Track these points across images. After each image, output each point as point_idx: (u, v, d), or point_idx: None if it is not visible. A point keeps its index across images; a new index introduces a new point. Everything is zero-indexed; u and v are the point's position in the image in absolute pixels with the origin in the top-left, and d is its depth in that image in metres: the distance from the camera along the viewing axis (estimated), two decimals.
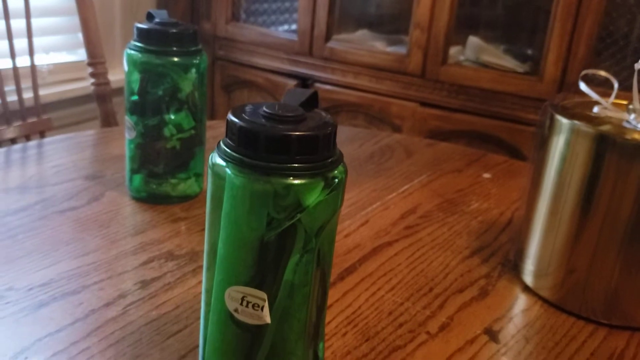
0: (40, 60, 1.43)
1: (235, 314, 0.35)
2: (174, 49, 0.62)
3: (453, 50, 1.50)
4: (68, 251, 0.54)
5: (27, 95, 1.06)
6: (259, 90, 1.64)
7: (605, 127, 0.52)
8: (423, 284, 0.54)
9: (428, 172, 0.81)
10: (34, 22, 1.40)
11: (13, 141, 1.01)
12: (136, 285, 0.50)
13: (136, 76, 0.63)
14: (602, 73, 0.60)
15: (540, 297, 0.54)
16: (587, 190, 0.50)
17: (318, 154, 0.34)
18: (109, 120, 1.07)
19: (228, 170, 0.34)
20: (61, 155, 0.78)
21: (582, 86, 0.56)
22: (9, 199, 0.64)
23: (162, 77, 0.62)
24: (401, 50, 1.47)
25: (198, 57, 0.64)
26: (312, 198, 0.34)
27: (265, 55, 1.60)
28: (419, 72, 1.41)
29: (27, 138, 1.01)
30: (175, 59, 0.62)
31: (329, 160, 0.34)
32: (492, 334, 0.48)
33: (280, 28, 1.68)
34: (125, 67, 0.63)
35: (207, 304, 0.37)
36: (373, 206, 0.69)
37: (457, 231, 0.65)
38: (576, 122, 0.51)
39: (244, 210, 0.34)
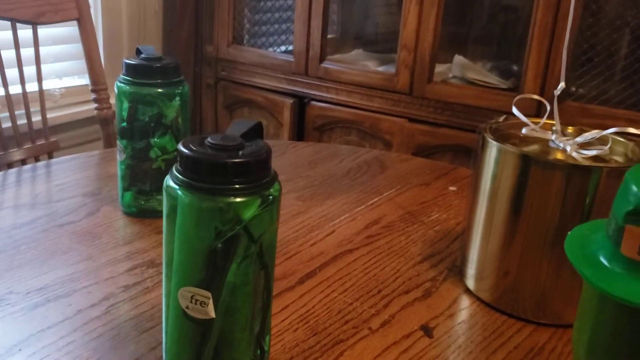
0: (53, 84, 1.53)
1: (187, 310, 0.42)
2: (159, 81, 0.70)
3: (442, 68, 1.57)
4: (63, 260, 0.62)
5: (36, 118, 1.15)
6: (258, 109, 1.72)
7: (531, 147, 0.59)
8: (373, 286, 0.61)
9: (398, 186, 0.88)
10: (48, 49, 1.50)
11: (23, 162, 1.10)
12: (120, 288, 0.58)
13: (125, 105, 0.71)
14: (535, 97, 0.67)
15: (478, 299, 0.60)
16: (515, 202, 0.57)
17: (254, 176, 0.41)
18: (110, 142, 1.16)
19: (179, 192, 0.41)
20: (65, 175, 0.87)
21: (514, 109, 0.62)
22: (17, 214, 0.72)
23: (148, 105, 0.70)
24: (391, 69, 1.54)
25: (180, 87, 0.72)
26: (250, 212, 0.41)
27: (264, 75, 1.68)
28: (407, 90, 1.48)
29: (36, 159, 1.10)
30: (160, 90, 0.70)
31: (264, 180, 0.42)
32: (427, 330, 0.55)
33: (278, 49, 1.76)
34: (116, 98, 0.72)
35: (167, 304, 0.44)
36: (341, 218, 0.76)
37: (413, 240, 0.72)
38: (501, 143, 0.57)
39: (193, 224, 0.41)
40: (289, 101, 1.63)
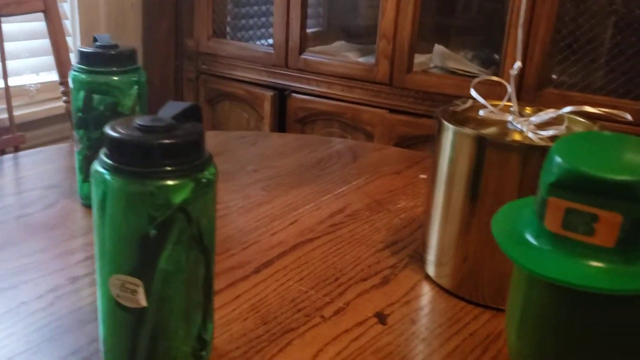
0: (29, 79, 1.51)
1: (118, 299, 0.41)
2: (114, 69, 0.69)
3: (423, 58, 1.55)
4: (15, 252, 0.61)
5: (4, 115, 1.14)
6: (239, 102, 1.70)
7: (489, 129, 0.57)
8: (330, 274, 0.60)
9: (367, 175, 0.87)
10: (23, 44, 1.48)
11: None
12: (67, 280, 0.56)
13: (81, 95, 0.69)
14: (495, 78, 0.65)
15: (438, 286, 0.59)
16: (472, 185, 0.55)
17: (184, 158, 0.40)
18: None
19: (108, 177, 0.40)
20: (29, 168, 0.85)
21: (472, 92, 0.61)
22: None
23: (104, 94, 0.69)
24: (372, 60, 1.53)
25: (136, 75, 0.70)
26: (182, 196, 0.40)
27: (245, 68, 1.67)
28: (387, 81, 1.47)
29: (3, 152, 1.09)
30: (116, 78, 0.69)
31: (196, 163, 0.40)
32: (381, 317, 0.53)
33: (263, 42, 1.75)
34: (71, 87, 0.70)
35: (100, 294, 0.43)
36: (305, 207, 0.75)
37: (377, 228, 0.70)
38: (457, 126, 0.56)
39: (123, 210, 0.40)
40: (269, 94, 1.62)
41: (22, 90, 1.45)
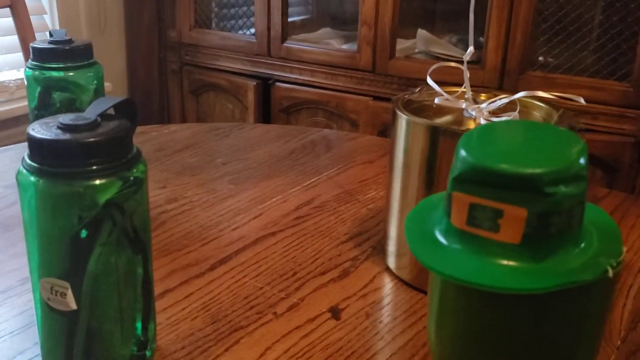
0: (8, 76, 1.50)
1: (49, 302, 0.40)
2: (69, 64, 0.67)
3: (408, 43, 1.53)
4: None
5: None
6: (223, 93, 1.69)
7: (444, 118, 0.56)
8: (289, 269, 0.58)
9: (339, 165, 0.85)
10: (1, 40, 1.47)
11: None
12: (19, 282, 0.55)
13: (36, 91, 0.68)
14: (453, 65, 0.64)
15: (398, 278, 0.58)
16: (427, 175, 0.54)
17: (109, 156, 0.38)
18: None
19: (32, 179, 0.38)
20: None
21: (428, 79, 0.59)
22: None
23: (59, 90, 0.68)
24: (354, 47, 1.51)
25: (93, 70, 0.69)
26: (109, 196, 0.39)
27: (228, 58, 1.65)
28: (370, 67, 1.45)
29: None
30: (71, 74, 0.67)
31: (123, 161, 0.39)
32: (335, 312, 0.52)
33: (241, 32, 1.73)
34: (26, 84, 0.69)
35: (34, 297, 0.42)
36: (272, 200, 0.74)
37: (343, 219, 0.69)
38: (410, 115, 0.54)
39: (49, 212, 0.39)
40: (252, 83, 1.60)
41: (2, 86, 1.44)
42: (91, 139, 0.38)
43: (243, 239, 0.64)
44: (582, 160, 0.25)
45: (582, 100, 0.50)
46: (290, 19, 1.66)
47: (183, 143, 0.92)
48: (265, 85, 1.61)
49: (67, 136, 0.38)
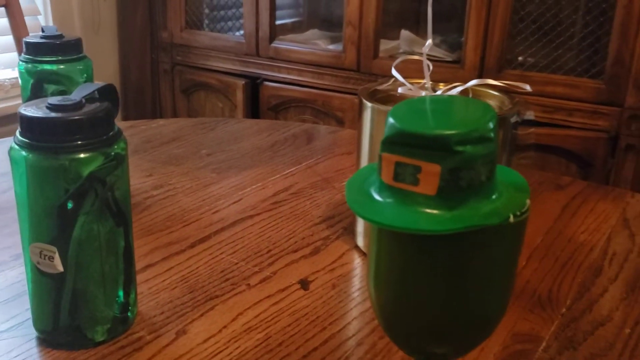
0: (4, 74, 1.54)
1: (38, 265, 0.44)
2: (59, 57, 0.72)
3: (392, 44, 1.58)
4: None
5: None
6: (214, 91, 1.73)
7: None
8: (263, 247, 0.63)
9: (318, 156, 0.90)
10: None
11: None
12: (11, 257, 0.59)
13: (28, 84, 0.72)
14: (416, 57, 0.68)
15: (364, 254, 0.62)
16: None
17: (93, 133, 0.43)
18: None
19: (23, 153, 0.43)
20: None
21: (393, 71, 0.64)
22: None
23: (51, 82, 0.72)
24: (340, 47, 1.55)
25: (82, 64, 0.73)
26: (92, 168, 0.43)
27: (218, 58, 1.70)
28: (355, 67, 1.50)
29: None
30: (62, 66, 0.72)
31: (104, 137, 0.43)
32: (304, 284, 0.56)
33: (230, 33, 1.77)
34: (20, 78, 0.73)
35: (25, 262, 0.46)
36: (252, 187, 0.78)
37: (318, 204, 0.73)
38: (374, 103, 0.59)
39: (39, 183, 0.43)
40: (240, 82, 1.65)
41: None
42: (76, 117, 0.42)
43: (222, 221, 0.68)
44: (490, 125, 0.30)
45: (528, 88, 0.54)
46: (281, 21, 1.71)
47: (170, 136, 0.96)
48: (254, 84, 1.65)
49: (54, 115, 0.42)
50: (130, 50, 1.81)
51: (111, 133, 0.44)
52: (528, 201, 0.31)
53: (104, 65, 1.82)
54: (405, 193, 0.30)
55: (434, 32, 1.72)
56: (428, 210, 0.29)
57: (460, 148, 0.29)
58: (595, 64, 1.29)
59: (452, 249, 0.30)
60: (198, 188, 0.77)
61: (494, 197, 0.30)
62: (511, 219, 0.29)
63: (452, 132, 0.29)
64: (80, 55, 0.74)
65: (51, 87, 0.72)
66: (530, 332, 0.50)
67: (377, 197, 0.31)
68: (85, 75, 0.74)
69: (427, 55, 1.58)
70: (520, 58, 1.39)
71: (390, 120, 0.31)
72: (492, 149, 0.30)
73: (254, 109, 1.67)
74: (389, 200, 0.31)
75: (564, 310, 0.53)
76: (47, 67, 0.71)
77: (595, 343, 0.49)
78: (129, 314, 0.49)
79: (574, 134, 1.30)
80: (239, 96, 1.65)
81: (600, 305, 0.54)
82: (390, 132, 0.30)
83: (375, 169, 0.32)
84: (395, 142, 0.30)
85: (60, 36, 0.73)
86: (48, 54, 0.71)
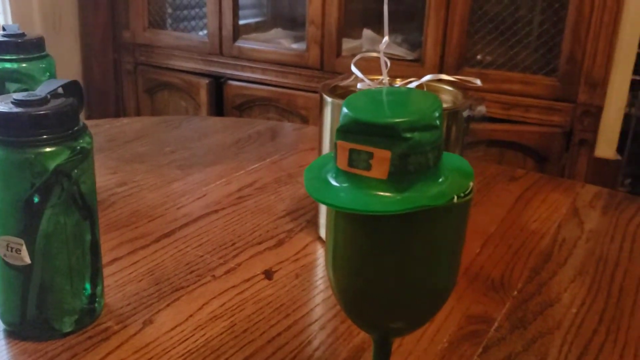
0: None
1: (5, 258, 0.45)
2: (21, 56, 0.72)
3: (355, 43, 1.61)
4: None
5: None
6: (177, 90, 1.73)
7: None
8: (228, 240, 0.64)
9: (283, 152, 0.91)
10: None
11: None
12: None
13: None
14: (374, 54, 0.70)
15: None
16: None
17: (58, 127, 0.44)
18: None
19: None
20: None
21: (352, 67, 0.66)
22: None
23: (13, 81, 0.72)
24: (304, 46, 1.57)
25: (45, 62, 0.73)
26: (58, 162, 0.44)
27: (182, 57, 1.70)
28: (318, 65, 1.52)
29: None
30: (25, 65, 0.72)
31: (70, 132, 0.44)
32: (268, 274, 0.58)
33: (194, 32, 1.78)
34: None
35: None
36: (216, 183, 0.79)
37: (282, 198, 0.75)
38: (334, 98, 0.61)
39: (6, 177, 0.44)
40: (204, 81, 1.65)
41: None
42: (41, 112, 0.43)
43: (187, 216, 0.70)
44: (435, 114, 0.32)
45: (478, 82, 0.57)
46: (245, 21, 1.72)
47: (134, 134, 0.97)
48: (218, 83, 1.66)
49: (19, 110, 0.43)
50: (93, 50, 1.79)
51: (76, 127, 0.45)
52: (471, 184, 0.33)
53: (66, 65, 1.80)
54: (359, 178, 0.32)
55: (397, 31, 1.76)
56: (380, 193, 0.31)
57: (408, 135, 0.31)
58: (550, 62, 1.34)
59: (403, 228, 0.32)
60: (162, 185, 0.78)
61: (440, 180, 0.33)
62: (455, 200, 0.32)
63: (401, 120, 0.31)
64: (43, 53, 0.74)
65: (13, 86, 0.72)
66: (483, 313, 0.53)
67: (333, 182, 0.33)
68: (47, 74, 0.74)
69: (390, 54, 1.63)
70: (479, 56, 1.43)
71: (345, 110, 0.33)
72: (437, 136, 0.32)
73: (218, 108, 1.68)
74: (344, 184, 0.33)
75: (515, 293, 0.56)
76: (9, 65, 0.71)
77: (543, 322, 0.52)
78: (96, 305, 0.50)
79: (530, 129, 1.34)
80: (203, 95, 1.65)
81: (549, 287, 0.57)
82: (344, 121, 0.32)
83: (332, 157, 0.34)
84: (349, 131, 0.32)
85: (22, 35, 0.73)
86: (9, 53, 0.71)
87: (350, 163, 0.32)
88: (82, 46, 1.82)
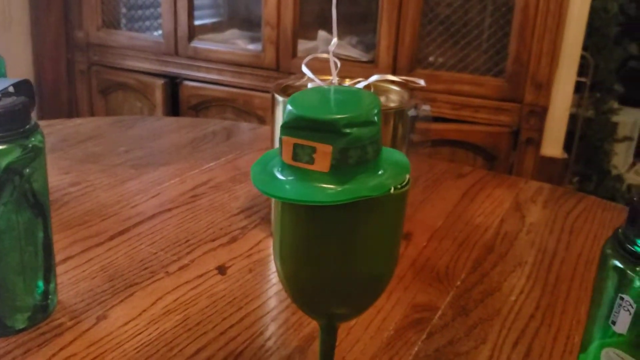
0: None
1: None
2: None
3: (311, 44, 1.63)
4: None
5: None
6: (132, 91, 1.72)
7: None
8: (182, 237, 0.65)
9: (237, 152, 0.93)
10: None
11: None
12: None
13: None
14: (324, 55, 0.72)
15: None
16: None
17: (9, 125, 0.44)
18: None
19: None
20: None
21: (303, 67, 0.68)
22: None
23: None
24: (260, 47, 1.59)
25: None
26: (10, 159, 0.44)
27: (136, 57, 1.69)
28: (274, 66, 1.53)
29: None
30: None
31: (21, 130, 0.45)
32: (221, 269, 0.59)
33: (148, 33, 1.77)
34: None
35: None
36: (170, 182, 0.80)
37: (237, 196, 0.77)
38: (285, 97, 0.63)
39: None
40: (159, 82, 1.65)
41: None
42: None
43: (140, 215, 0.70)
44: (374, 111, 0.34)
45: (422, 82, 0.59)
46: (201, 22, 1.72)
47: (87, 134, 0.96)
48: (173, 83, 1.66)
49: None
50: (44, 50, 1.76)
51: (28, 126, 0.46)
52: (408, 176, 0.35)
53: (17, 64, 1.77)
54: (303, 171, 0.34)
55: (352, 33, 1.79)
56: (323, 185, 0.33)
57: (347, 130, 0.33)
58: (498, 64, 1.39)
59: (345, 217, 0.34)
60: (116, 184, 0.78)
61: (380, 173, 0.35)
62: (392, 190, 0.34)
63: (341, 116, 0.33)
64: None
65: None
66: (428, 302, 0.55)
67: (279, 175, 0.35)
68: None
69: (345, 55, 1.65)
70: (431, 58, 1.47)
71: (289, 107, 0.34)
72: (375, 132, 0.34)
73: (174, 109, 1.68)
74: (289, 178, 0.35)
75: (458, 283, 0.59)
76: None
77: (484, 309, 0.55)
78: (49, 302, 0.50)
79: (480, 129, 1.39)
80: (158, 96, 1.65)
81: (490, 277, 0.60)
82: (288, 118, 0.34)
83: (277, 152, 0.36)
84: (293, 127, 0.34)
85: None
86: None
87: (295, 157, 0.34)
88: (33, 45, 1.79)
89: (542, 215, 0.76)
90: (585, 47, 1.74)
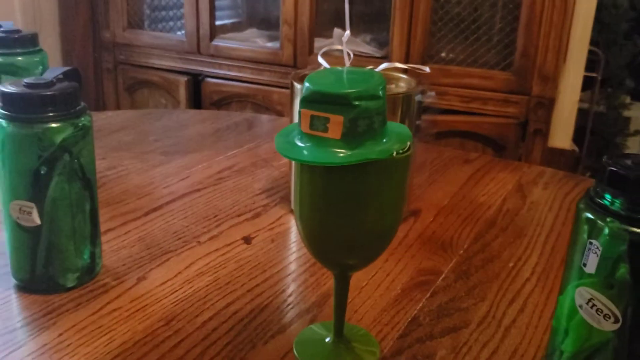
0: None
1: (18, 220, 0.52)
2: (18, 50, 0.78)
3: (326, 42, 1.69)
4: None
5: None
6: (157, 88, 1.80)
7: None
8: (211, 213, 0.72)
9: (258, 140, 0.99)
10: None
11: None
12: None
13: None
14: (337, 47, 0.78)
15: None
16: None
17: (63, 106, 0.51)
18: None
19: (4, 124, 0.50)
20: None
21: (319, 58, 0.74)
22: None
23: (9, 74, 0.78)
24: (278, 45, 1.65)
25: (39, 56, 0.80)
26: (63, 136, 0.51)
27: (160, 56, 1.76)
28: (292, 63, 1.60)
29: None
30: (20, 59, 0.79)
31: (72, 111, 0.52)
32: (247, 239, 0.66)
33: (172, 33, 1.84)
34: None
35: (4, 219, 0.53)
36: (198, 166, 0.87)
37: (259, 179, 0.83)
38: (302, 85, 0.69)
39: (17, 150, 0.51)
40: (183, 79, 1.72)
41: None
42: (49, 93, 0.50)
43: (172, 194, 0.77)
44: (379, 87, 0.40)
45: (427, 69, 0.65)
46: (221, 22, 1.79)
47: (118, 125, 1.04)
48: (196, 80, 1.73)
49: (30, 91, 0.50)
50: (73, 49, 1.85)
51: (78, 107, 0.52)
52: (409, 143, 0.41)
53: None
54: (319, 138, 0.40)
55: (366, 31, 1.85)
56: (335, 150, 0.40)
57: (357, 102, 0.39)
58: (506, 58, 1.44)
59: (354, 177, 0.40)
60: (148, 168, 0.85)
61: (384, 141, 0.41)
62: (395, 154, 0.40)
63: (351, 90, 0.39)
64: (37, 48, 0.81)
65: (8, 78, 0.78)
66: (432, 268, 0.61)
67: (298, 143, 0.41)
68: (41, 67, 0.81)
69: (360, 52, 1.71)
70: (442, 54, 1.53)
71: (306, 84, 0.41)
72: (381, 104, 0.40)
73: (196, 105, 1.75)
74: (307, 144, 0.41)
75: (461, 251, 0.65)
76: (6, 59, 0.78)
77: (484, 274, 0.61)
78: (95, 264, 0.57)
79: (489, 120, 1.44)
80: (182, 92, 1.72)
81: (491, 247, 0.66)
82: (306, 93, 0.40)
83: (297, 125, 0.42)
84: (310, 100, 0.40)
85: (18, 31, 0.80)
86: (6, 47, 0.78)
87: (311, 127, 0.40)
88: (62, 45, 1.87)
89: (542, 195, 0.81)
90: (596, 43, 1.79)
